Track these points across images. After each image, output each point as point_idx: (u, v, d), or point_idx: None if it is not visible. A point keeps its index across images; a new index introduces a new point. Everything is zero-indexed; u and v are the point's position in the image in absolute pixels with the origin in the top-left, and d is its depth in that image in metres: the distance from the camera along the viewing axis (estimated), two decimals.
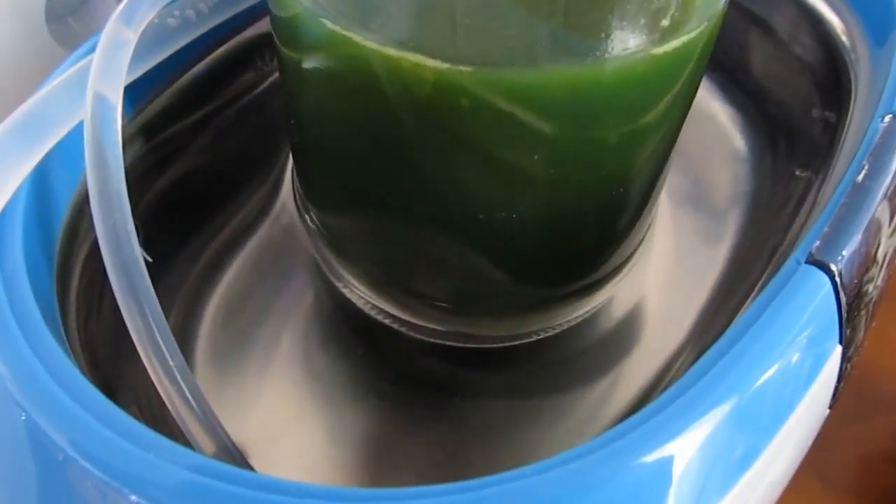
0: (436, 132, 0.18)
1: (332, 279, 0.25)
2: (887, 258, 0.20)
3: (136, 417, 0.16)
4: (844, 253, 0.17)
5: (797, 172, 0.26)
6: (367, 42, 0.17)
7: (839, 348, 0.17)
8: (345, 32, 0.17)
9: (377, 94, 0.17)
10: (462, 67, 0.16)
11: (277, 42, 0.21)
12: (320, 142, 0.22)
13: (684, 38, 0.17)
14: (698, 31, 0.18)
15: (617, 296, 0.26)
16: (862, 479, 0.28)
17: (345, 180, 0.22)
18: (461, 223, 0.20)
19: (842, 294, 0.17)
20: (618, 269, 0.24)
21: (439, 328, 0.23)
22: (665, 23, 0.17)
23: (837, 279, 0.17)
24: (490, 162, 0.18)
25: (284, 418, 0.23)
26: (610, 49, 0.16)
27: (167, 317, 0.17)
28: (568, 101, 0.17)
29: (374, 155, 0.20)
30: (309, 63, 0.19)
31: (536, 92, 0.17)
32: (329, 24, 0.17)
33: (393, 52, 0.16)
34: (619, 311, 0.26)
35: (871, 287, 0.19)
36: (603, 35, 0.16)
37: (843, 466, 0.28)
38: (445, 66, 0.16)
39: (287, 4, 0.18)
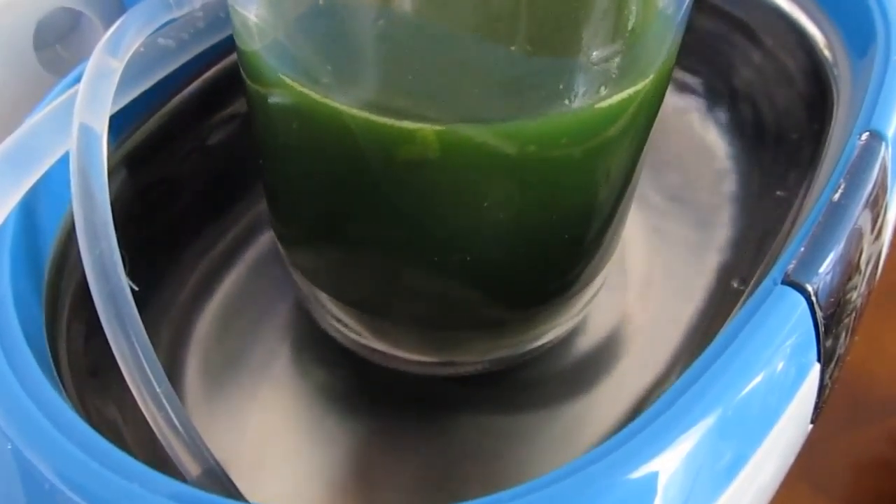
0: (394, 182, 0.18)
1: (314, 315, 0.25)
2: (871, 263, 0.20)
3: (125, 446, 0.16)
4: (820, 272, 0.17)
5: (780, 191, 0.26)
6: (331, 102, 0.17)
7: (817, 365, 0.18)
8: (308, 92, 0.17)
9: (339, 147, 0.18)
10: (423, 125, 0.17)
11: (245, 78, 0.21)
12: (284, 184, 0.22)
13: (630, 91, 0.18)
14: (645, 83, 0.18)
15: (602, 315, 0.26)
16: (855, 486, 0.28)
17: (309, 221, 0.22)
18: (421, 264, 0.20)
19: (818, 312, 0.17)
20: (583, 297, 0.24)
21: (417, 358, 0.24)
22: (611, 78, 0.17)
23: (813, 298, 0.17)
24: (448, 208, 0.19)
25: (273, 441, 0.23)
26: (561, 104, 0.17)
27: (156, 343, 0.17)
28: (527, 154, 0.18)
29: (335, 198, 0.20)
30: (271, 110, 0.20)
31: (494, 146, 0.17)
32: (297, 87, 0.17)
33: (355, 111, 0.17)
34: (604, 329, 0.26)
35: (854, 294, 0.19)
36: (555, 90, 0.17)
37: (836, 473, 0.28)
38: (405, 123, 0.17)
39: (254, 67, 0.19)
